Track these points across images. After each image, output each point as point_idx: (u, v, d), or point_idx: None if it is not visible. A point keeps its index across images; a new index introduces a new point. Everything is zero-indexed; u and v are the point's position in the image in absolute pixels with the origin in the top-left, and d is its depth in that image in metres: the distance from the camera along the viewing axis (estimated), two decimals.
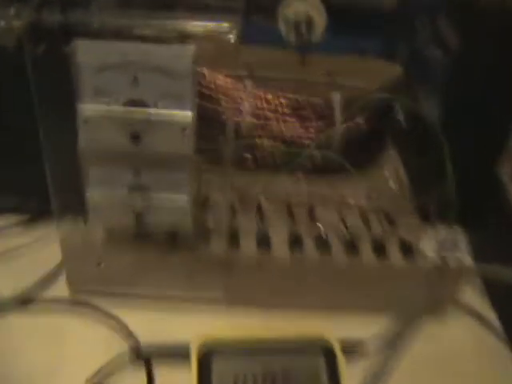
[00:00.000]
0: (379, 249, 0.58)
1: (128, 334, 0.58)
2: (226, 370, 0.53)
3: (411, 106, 0.65)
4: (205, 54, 0.48)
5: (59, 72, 0.48)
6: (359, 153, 0.65)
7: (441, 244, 0.57)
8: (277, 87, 0.66)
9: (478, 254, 0.59)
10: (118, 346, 0.56)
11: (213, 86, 0.64)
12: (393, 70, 0.67)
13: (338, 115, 0.64)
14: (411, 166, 0.69)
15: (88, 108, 0.48)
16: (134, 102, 0.48)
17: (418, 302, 0.58)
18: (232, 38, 0.46)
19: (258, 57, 0.67)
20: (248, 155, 0.64)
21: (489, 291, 0.65)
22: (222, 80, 0.65)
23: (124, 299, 0.60)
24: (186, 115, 0.48)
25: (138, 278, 0.59)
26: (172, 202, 0.52)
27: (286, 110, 0.65)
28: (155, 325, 0.58)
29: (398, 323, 0.58)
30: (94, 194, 0.52)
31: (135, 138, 0.48)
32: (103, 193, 0.52)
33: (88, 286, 0.59)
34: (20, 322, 0.58)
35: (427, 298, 0.59)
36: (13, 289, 0.60)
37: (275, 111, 0.65)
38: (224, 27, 0.46)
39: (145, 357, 0.56)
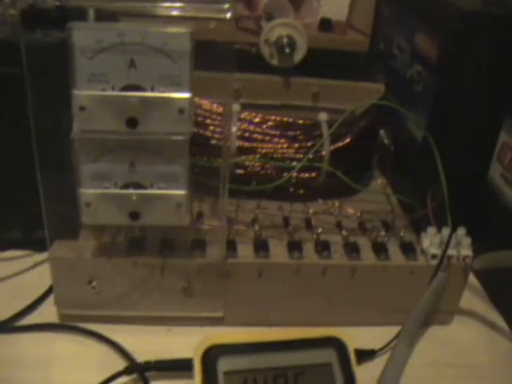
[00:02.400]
0: (380, 250, 0.57)
1: (123, 354, 0.54)
2: (234, 370, 0.49)
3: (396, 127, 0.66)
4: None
5: (54, 60, 0.47)
6: (347, 173, 0.64)
7: (444, 243, 0.56)
8: (263, 111, 0.66)
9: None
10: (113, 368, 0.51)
11: (199, 111, 0.65)
12: (377, 90, 0.69)
13: (325, 135, 0.64)
14: (398, 184, 0.69)
15: (83, 94, 0.47)
16: (130, 87, 0.47)
17: (424, 303, 0.56)
18: (229, 16, 0.46)
19: (243, 83, 0.68)
20: (240, 171, 0.63)
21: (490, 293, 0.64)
22: (208, 105, 0.65)
23: (117, 322, 0.57)
24: (184, 96, 0.47)
25: (132, 297, 0.56)
26: (168, 198, 0.50)
27: (274, 132, 0.65)
28: (151, 347, 0.54)
29: (406, 327, 0.55)
30: (86, 192, 0.50)
31: (132, 123, 0.47)
32: (96, 190, 0.50)
33: (78, 308, 0.56)
34: (5, 350, 0.54)
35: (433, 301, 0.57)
36: None
37: (263, 133, 0.65)
38: (222, 7, 0.46)
39: (142, 370, 0.51)
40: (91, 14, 0.47)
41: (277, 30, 0.66)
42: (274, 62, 0.67)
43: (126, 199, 0.50)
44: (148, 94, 0.47)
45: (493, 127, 0.62)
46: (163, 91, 0.47)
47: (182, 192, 0.50)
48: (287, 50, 0.65)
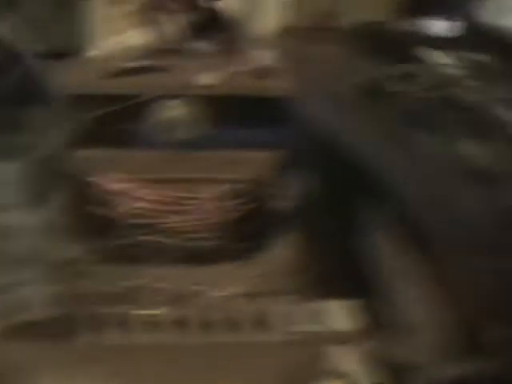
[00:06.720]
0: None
1: None
2: None
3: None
4: None
5: None
6: (248, 240, 0.71)
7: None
8: (163, 186, 0.72)
9: None
10: None
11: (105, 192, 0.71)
12: (265, 159, 0.75)
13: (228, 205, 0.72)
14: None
15: None
16: None
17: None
18: None
19: (144, 160, 0.74)
20: (136, 250, 0.70)
21: None
22: (115, 185, 0.71)
23: None
24: None
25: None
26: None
27: (170, 207, 0.71)
28: None
29: None
30: None
31: None
32: None
33: None
34: None
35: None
36: None
37: (157, 211, 0.71)
38: None
39: None
40: None
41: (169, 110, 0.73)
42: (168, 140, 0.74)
43: None
44: None
45: None
46: None
47: None
48: (181, 131, 0.73)
